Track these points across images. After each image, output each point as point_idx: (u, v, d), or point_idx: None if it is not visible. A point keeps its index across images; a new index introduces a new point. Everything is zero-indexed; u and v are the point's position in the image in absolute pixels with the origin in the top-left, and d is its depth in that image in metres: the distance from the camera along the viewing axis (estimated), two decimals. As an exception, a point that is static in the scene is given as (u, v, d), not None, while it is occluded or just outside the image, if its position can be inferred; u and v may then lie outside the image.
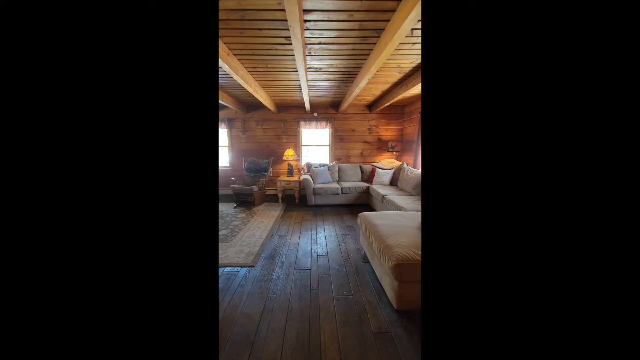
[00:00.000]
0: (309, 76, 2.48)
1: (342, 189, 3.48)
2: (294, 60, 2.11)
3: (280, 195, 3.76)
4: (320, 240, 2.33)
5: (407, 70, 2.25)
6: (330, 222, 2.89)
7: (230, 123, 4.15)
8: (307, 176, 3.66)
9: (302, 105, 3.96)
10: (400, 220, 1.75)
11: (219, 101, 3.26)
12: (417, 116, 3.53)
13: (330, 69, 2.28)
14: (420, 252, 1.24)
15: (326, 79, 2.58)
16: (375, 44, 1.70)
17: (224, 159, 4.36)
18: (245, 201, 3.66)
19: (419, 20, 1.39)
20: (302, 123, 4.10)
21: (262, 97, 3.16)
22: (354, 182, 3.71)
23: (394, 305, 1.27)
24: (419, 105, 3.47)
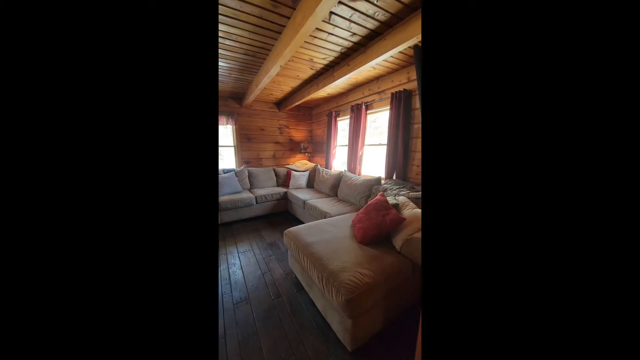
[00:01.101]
0: None
1: (256, 198, 2.91)
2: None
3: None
4: (235, 276, 1.71)
5: (319, 67, 2.11)
6: (246, 244, 2.27)
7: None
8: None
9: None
10: (332, 231, 1.56)
11: None
12: (325, 119, 3.63)
13: (229, 42, 1.69)
14: (364, 270, 1.07)
15: (224, 57, 1.93)
16: (289, 17, 1.36)
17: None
18: None
19: (339, 2, 1.20)
20: (223, 119, 3.04)
21: None
22: (270, 189, 3.24)
23: (348, 348, 1.03)
24: (326, 108, 3.58)
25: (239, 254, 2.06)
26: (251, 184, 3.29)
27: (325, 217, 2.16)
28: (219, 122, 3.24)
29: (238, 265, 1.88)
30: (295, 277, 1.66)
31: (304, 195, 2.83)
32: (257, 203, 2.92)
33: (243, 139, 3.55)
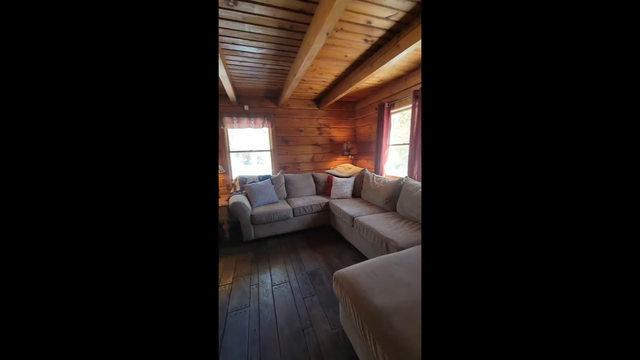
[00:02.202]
0: (226, 42, 1.39)
1: (294, 210, 2.49)
2: None
3: (196, 231, 2.37)
4: (266, 331, 1.26)
5: (377, 35, 1.52)
6: (281, 270, 1.84)
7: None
8: (240, 196, 2.46)
9: (225, 95, 2.73)
10: (404, 278, 0.96)
11: None
12: (372, 113, 2.99)
13: (258, 11, 1.26)
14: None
15: (254, 38, 1.54)
16: None
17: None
18: None
19: None
20: (227, 120, 2.85)
21: None
22: (309, 198, 2.79)
23: None
24: (375, 99, 2.93)
25: (273, 288, 1.62)
26: (288, 193, 2.90)
27: (387, 247, 1.54)
28: (255, 125, 2.97)
29: (271, 307, 1.43)
30: (349, 342, 1.10)
31: (350, 208, 2.25)
32: (294, 216, 2.49)
33: (279, 142, 3.21)
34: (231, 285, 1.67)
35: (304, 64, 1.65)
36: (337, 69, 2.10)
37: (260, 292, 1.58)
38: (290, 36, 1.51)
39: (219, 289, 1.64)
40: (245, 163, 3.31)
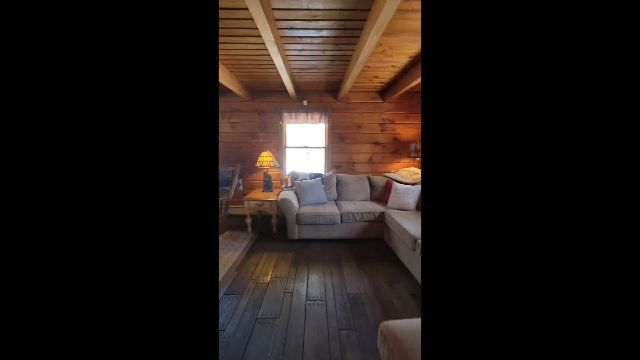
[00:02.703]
0: (283, 27, 1.27)
1: (342, 215, 2.22)
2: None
3: (249, 220, 2.51)
4: (293, 349, 1.07)
5: None
6: (319, 281, 1.63)
7: (183, 114, 2.93)
8: (289, 193, 2.41)
9: (285, 90, 2.74)
10: None
11: None
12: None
13: (320, 2, 1.04)
14: None
15: (313, 15, 1.34)
16: None
17: (178, 165, 3.14)
18: None
19: None
20: (286, 115, 2.87)
21: (224, 78, 1.94)
22: (361, 204, 2.45)
23: None
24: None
25: (307, 303, 1.43)
26: (339, 194, 2.66)
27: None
28: (312, 120, 2.87)
29: (300, 328, 1.24)
30: None
31: (414, 226, 1.77)
32: (341, 222, 2.23)
33: (335, 139, 3.00)
34: (267, 286, 1.59)
35: (370, 40, 1.32)
36: (413, 47, 1.64)
37: (293, 305, 1.42)
38: (355, 5, 1.22)
39: (257, 285, 1.60)
40: (306, 159, 3.29)
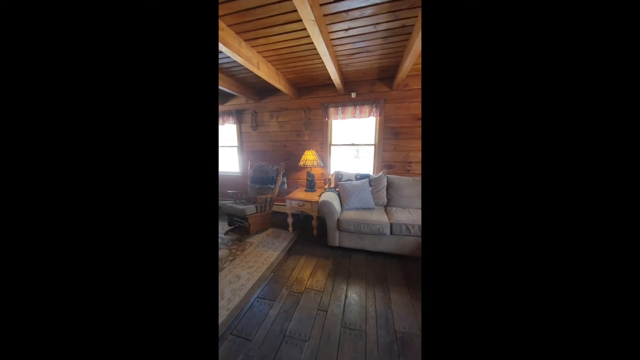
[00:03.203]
0: (327, 2, 1.07)
1: (392, 225, 1.85)
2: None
3: (290, 220, 2.47)
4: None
5: None
6: (359, 304, 1.36)
7: (239, 116, 3.18)
8: (331, 194, 2.21)
9: (332, 83, 2.54)
10: None
11: (224, 89, 2.26)
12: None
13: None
14: None
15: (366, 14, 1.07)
16: None
17: (234, 162, 3.46)
18: (240, 226, 2.56)
19: None
20: (332, 110, 2.68)
21: (270, 76, 1.95)
22: (417, 213, 1.99)
23: None
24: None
25: (342, 331, 1.19)
26: (389, 199, 2.27)
27: None
28: (360, 114, 2.56)
29: (333, 348, 1.01)
30: None
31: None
32: (391, 233, 1.85)
33: (387, 135, 2.59)
34: (300, 297, 1.45)
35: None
36: None
37: (326, 328, 1.21)
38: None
39: (290, 294, 1.48)
40: (355, 157, 3.03)
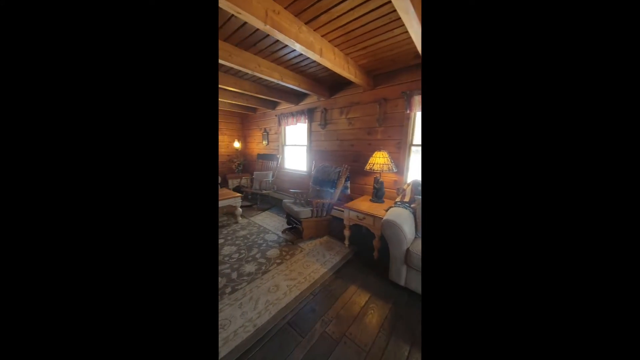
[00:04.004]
0: None
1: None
2: None
3: (347, 233, 2.10)
4: None
5: None
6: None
7: (310, 115, 3.14)
8: (403, 212, 1.63)
9: (418, 64, 1.89)
10: None
11: (293, 86, 2.28)
12: None
13: None
14: None
15: None
16: None
17: (303, 161, 3.49)
18: (296, 227, 2.48)
19: None
20: (417, 99, 2.03)
21: (337, 64, 1.70)
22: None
23: None
24: None
25: None
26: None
27: None
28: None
29: None
30: None
31: None
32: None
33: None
34: (335, 348, 1.08)
35: None
36: None
37: None
38: None
39: (323, 335, 1.15)
40: None
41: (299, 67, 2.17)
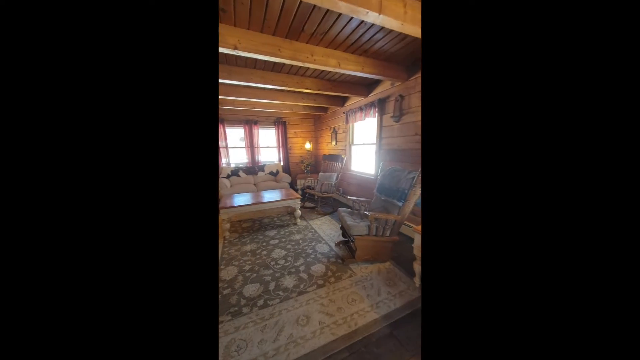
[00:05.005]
0: None
1: None
2: None
3: (418, 267, 1.46)
4: None
5: None
6: None
7: (381, 106, 2.57)
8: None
9: None
10: None
11: (359, 73, 1.94)
12: None
13: None
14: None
15: None
16: None
17: (369, 163, 2.96)
18: (347, 242, 2.05)
19: None
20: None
21: (408, 18, 1.19)
22: None
23: None
24: None
25: None
26: None
27: None
28: None
29: None
30: None
31: None
32: None
33: None
34: None
35: None
36: None
37: None
38: None
39: None
40: None
41: (359, 46, 1.73)
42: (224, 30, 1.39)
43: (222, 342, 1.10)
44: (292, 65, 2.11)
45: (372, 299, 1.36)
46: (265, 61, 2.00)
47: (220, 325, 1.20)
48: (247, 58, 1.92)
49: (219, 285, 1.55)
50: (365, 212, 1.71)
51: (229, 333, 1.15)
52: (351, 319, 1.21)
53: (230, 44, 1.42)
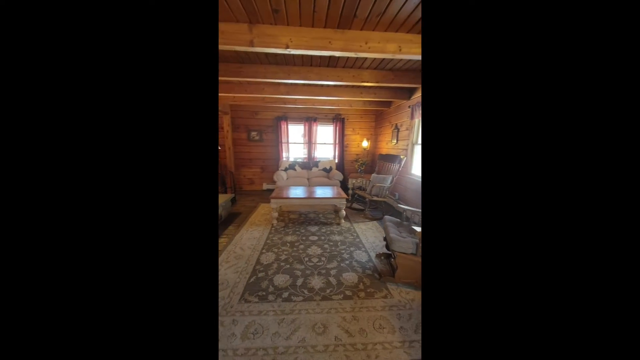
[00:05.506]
0: None
1: None
2: None
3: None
4: None
5: None
6: None
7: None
8: None
9: None
10: None
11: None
12: None
13: None
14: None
15: None
16: None
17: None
18: (389, 256, 1.75)
19: None
20: None
21: None
22: None
23: None
24: None
25: None
26: None
27: None
28: None
29: None
30: None
31: None
32: None
33: None
34: None
35: None
36: None
37: None
38: None
39: None
40: None
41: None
42: (276, 31, 1.45)
43: (245, 320, 1.19)
44: (348, 58, 1.99)
45: (405, 334, 1.12)
46: (320, 57, 1.98)
47: (247, 305, 1.31)
48: (303, 56, 1.96)
49: (256, 267, 1.71)
50: (415, 227, 1.41)
51: (253, 314, 1.24)
52: (373, 349, 1.04)
53: (283, 44, 1.47)
